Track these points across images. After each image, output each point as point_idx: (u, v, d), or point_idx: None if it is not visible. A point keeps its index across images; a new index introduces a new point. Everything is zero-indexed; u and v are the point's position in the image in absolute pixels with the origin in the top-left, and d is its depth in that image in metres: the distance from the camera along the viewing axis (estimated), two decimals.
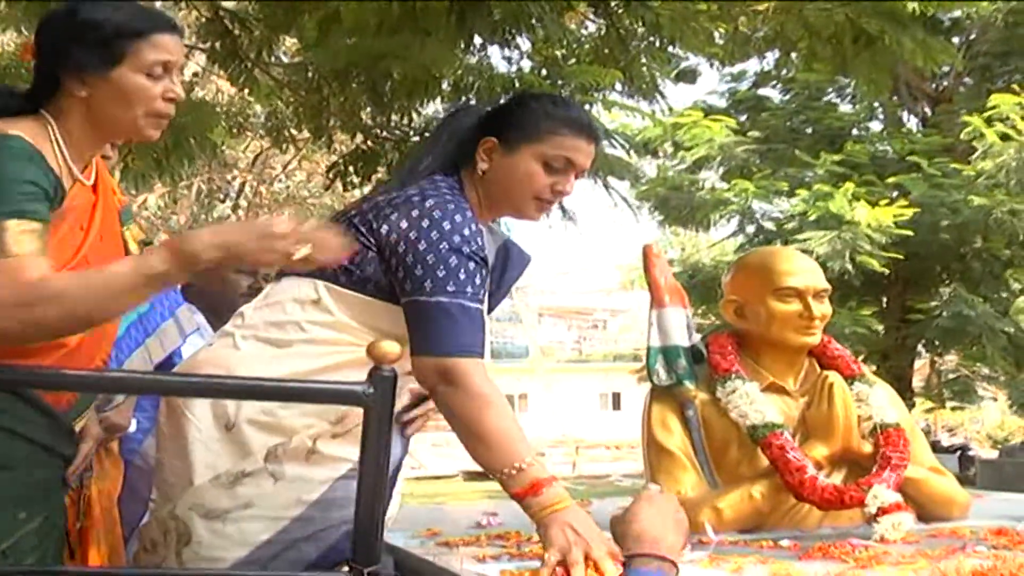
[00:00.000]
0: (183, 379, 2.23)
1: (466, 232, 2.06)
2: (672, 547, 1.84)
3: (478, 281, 2.06)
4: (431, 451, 25.95)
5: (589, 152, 2.21)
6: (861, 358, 15.43)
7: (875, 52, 4.94)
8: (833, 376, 2.78)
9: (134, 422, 2.95)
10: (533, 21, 4.35)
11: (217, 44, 5.28)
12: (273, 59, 5.49)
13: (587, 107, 5.33)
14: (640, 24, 4.87)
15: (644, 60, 5.49)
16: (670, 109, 6.18)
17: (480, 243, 2.09)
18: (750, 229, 13.82)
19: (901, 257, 11.83)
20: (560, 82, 5.26)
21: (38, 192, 1.83)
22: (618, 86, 5.62)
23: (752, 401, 2.77)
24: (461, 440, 2.11)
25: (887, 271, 12.06)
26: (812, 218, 11.90)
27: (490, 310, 2.19)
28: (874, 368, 14.62)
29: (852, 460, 2.77)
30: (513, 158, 2.17)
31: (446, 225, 2.05)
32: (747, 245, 13.88)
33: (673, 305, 2.95)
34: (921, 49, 5.11)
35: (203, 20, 5.20)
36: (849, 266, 11.57)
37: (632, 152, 14.59)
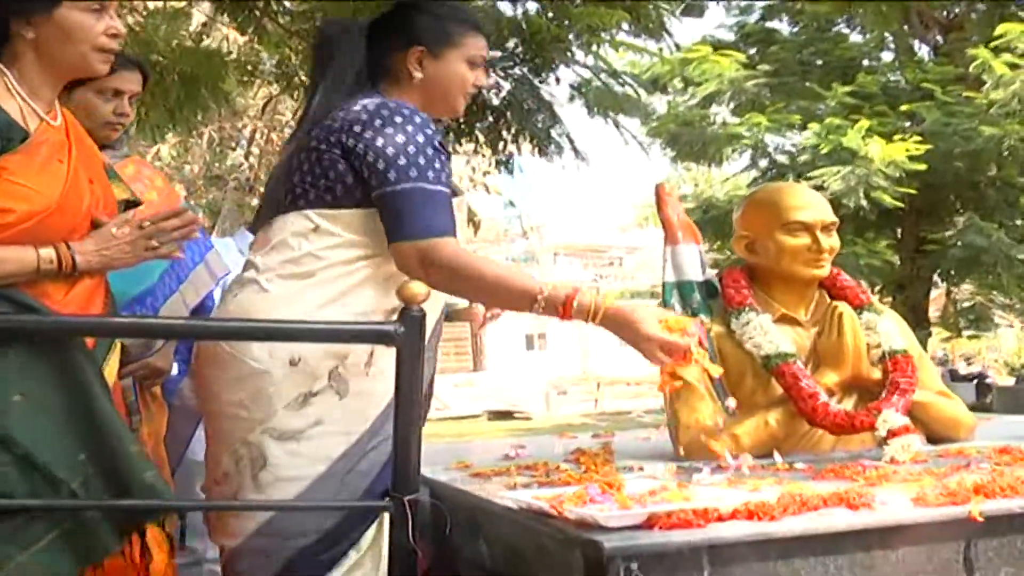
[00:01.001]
0: (223, 324, 2.35)
1: (417, 120, 2.26)
2: None
3: (438, 166, 2.24)
4: (454, 392, 26.19)
5: (487, 48, 2.52)
6: (877, 289, 15.48)
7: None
8: (842, 306, 2.88)
9: (175, 366, 3.07)
10: None
11: None
12: (281, 8, 5.53)
13: (594, 47, 5.42)
14: None
15: None
16: (677, 47, 6.20)
17: (433, 132, 2.27)
18: (763, 163, 13.82)
19: (915, 192, 11.84)
20: (567, 23, 5.29)
21: None
22: (625, 25, 5.64)
23: (765, 332, 2.88)
24: (480, 301, 2.35)
25: (903, 203, 12.08)
26: (825, 151, 11.89)
27: None
28: (890, 299, 14.68)
29: (862, 386, 2.88)
30: (442, 64, 2.41)
31: (397, 119, 2.25)
32: (760, 179, 13.88)
33: (686, 242, 3.05)
34: None
35: None
36: (864, 202, 11.58)
37: (641, 89, 14.64)
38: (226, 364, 2.27)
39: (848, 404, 2.86)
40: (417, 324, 2.10)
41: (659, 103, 15.50)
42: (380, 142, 2.22)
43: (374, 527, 2.25)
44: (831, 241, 2.93)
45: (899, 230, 13.75)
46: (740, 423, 2.83)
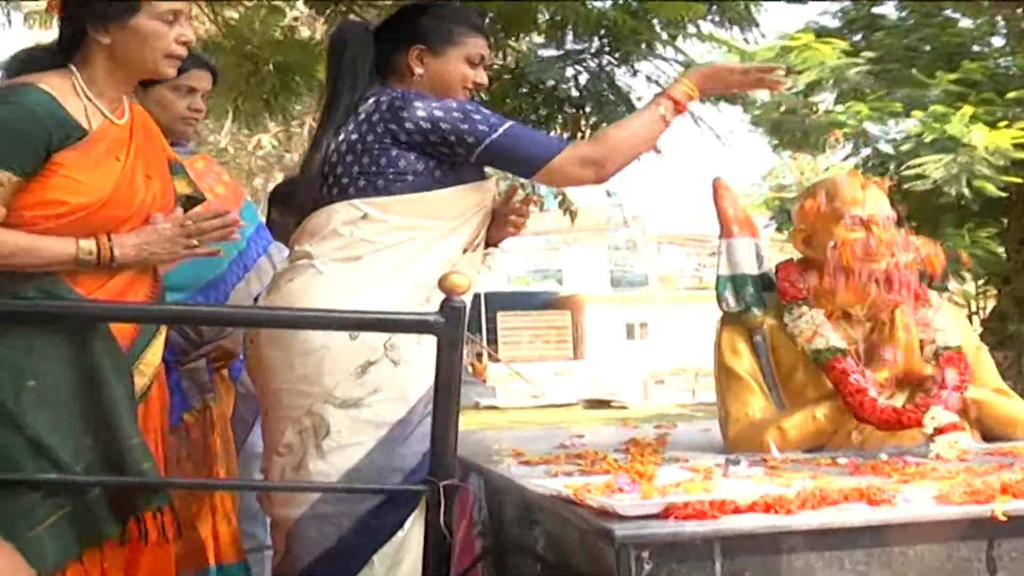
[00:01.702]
0: (286, 314, 2.47)
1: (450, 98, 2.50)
2: None
3: (483, 112, 2.51)
4: (553, 380, 26.30)
5: (488, 47, 2.70)
6: (982, 282, 15.08)
7: None
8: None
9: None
10: None
11: None
12: (368, 1, 5.65)
13: (677, 40, 5.42)
14: None
15: None
16: (763, 36, 6.17)
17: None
18: (865, 152, 13.54)
19: (1021, 181, 11.50)
20: (649, 16, 5.31)
21: (19, 147, 2.12)
22: (712, 16, 5.63)
23: (817, 326, 2.88)
24: (637, 153, 2.58)
25: (1007, 193, 11.74)
26: (928, 140, 11.61)
27: None
28: (996, 291, 14.30)
29: (915, 382, 2.87)
30: (442, 61, 2.60)
31: (421, 101, 2.48)
32: (861, 169, 13.62)
33: (741, 235, 3.06)
34: None
35: None
36: (966, 191, 11.28)
37: None
38: (288, 344, 2.44)
39: (900, 400, 2.85)
40: (457, 315, 2.19)
41: (762, 91, 15.31)
42: (441, 113, 2.46)
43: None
44: (887, 236, 2.92)
45: (1005, 220, 13.35)
46: (788, 417, 2.84)
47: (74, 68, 2.25)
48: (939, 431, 2.65)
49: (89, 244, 2.17)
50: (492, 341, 32.57)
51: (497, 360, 29.45)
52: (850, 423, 2.83)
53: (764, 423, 2.84)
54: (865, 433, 2.83)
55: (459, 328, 2.18)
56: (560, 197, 13.16)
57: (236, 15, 6.48)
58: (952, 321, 2.98)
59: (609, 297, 35.16)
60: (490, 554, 2.64)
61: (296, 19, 6.99)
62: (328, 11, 5.54)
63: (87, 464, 2.16)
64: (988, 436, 2.93)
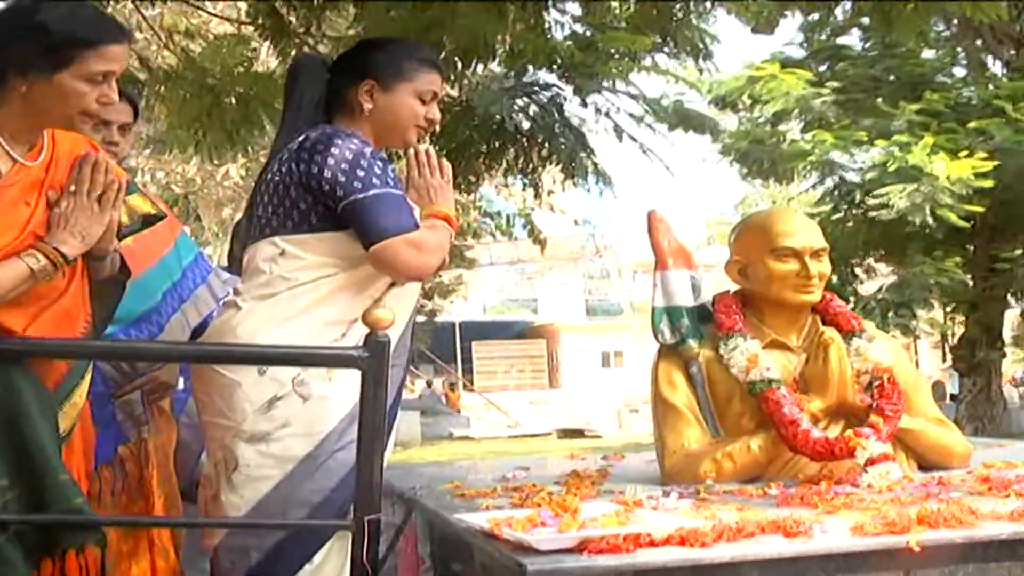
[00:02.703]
0: (200, 347, 2.47)
1: (354, 142, 2.42)
2: None
3: (379, 172, 2.39)
4: (528, 409, 26.26)
5: (441, 82, 2.66)
6: (950, 309, 15.20)
7: (918, 6, 4.92)
8: (830, 332, 2.89)
9: (180, 380, 3.18)
10: None
11: (267, 23, 5.52)
12: (320, 35, 5.67)
13: (626, 73, 5.46)
14: None
15: (692, 21, 5.54)
16: (716, 68, 6.21)
17: (372, 150, 2.44)
18: (830, 181, 13.68)
19: (981, 210, 11.62)
20: (600, 49, 5.35)
21: None
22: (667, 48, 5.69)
23: (753, 357, 2.90)
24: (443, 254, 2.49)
25: (970, 222, 11.86)
26: (892, 169, 11.73)
27: None
28: (963, 319, 14.40)
29: (850, 413, 2.88)
30: (392, 96, 2.54)
31: (338, 141, 2.41)
32: (828, 197, 13.76)
33: (677, 267, 3.09)
34: (969, 2, 5.07)
35: (251, 1, 5.43)
36: (930, 219, 11.39)
37: (712, 106, 14.59)
38: (208, 378, 2.44)
39: (836, 430, 2.86)
40: (382, 349, 2.19)
41: (729, 121, 15.45)
42: (335, 161, 2.38)
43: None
44: (820, 267, 2.95)
45: (971, 248, 13.49)
46: (724, 448, 2.85)
47: None
48: (871, 461, 2.66)
49: (34, 257, 2.11)
50: (467, 371, 32.53)
51: (471, 390, 29.39)
52: (785, 453, 2.84)
53: (700, 454, 2.86)
54: (801, 463, 2.84)
55: (383, 363, 2.18)
56: (529, 227, 13.23)
57: (197, 48, 6.49)
58: (887, 351, 3.00)
59: (584, 326, 35.22)
60: None
61: (254, 50, 7.01)
62: (280, 44, 5.55)
63: (3, 504, 2.12)
64: (924, 465, 2.95)
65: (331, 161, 2.37)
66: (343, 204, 2.36)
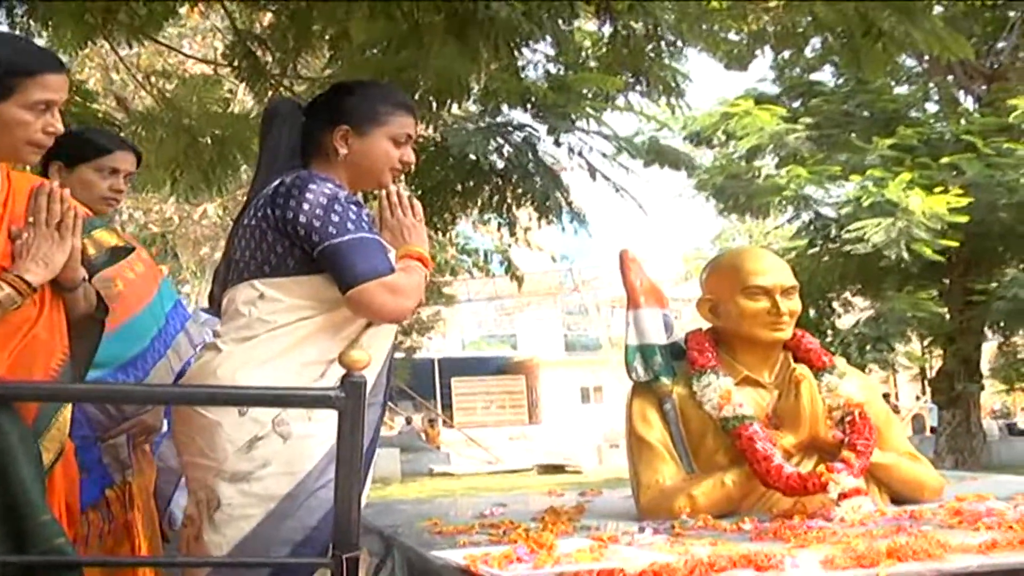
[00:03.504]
0: (183, 390, 2.49)
1: (330, 187, 2.44)
2: None
3: (366, 219, 2.44)
4: (508, 445, 26.21)
5: (415, 125, 2.68)
6: (927, 343, 15.33)
7: (886, 45, 5.01)
8: (801, 369, 2.93)
9: (164, 423, 3.21)
10: (531, 32, 4.54)
11: (243, 64, 5.59)
12: (297, 76, 5.73)
13: (599, 113, 5.53)
14: (647, 26, 5.03)
15: (665, 60, 5.63)
16: (689, 107, 6.30)
17: (347, 194, 2.47)
18: (806, 216, 13.81)
19: (956, 244, 11.76)
20: (572, 88, 5.43)
21: None
22: (640, 88, 5.77)
23: (726, 394, 2.94)
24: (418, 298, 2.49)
25: (945, 256, 11.99)
26: (867, 204, 11.86)
27: None
28: (940, 352, 14.51)
29: (822, 448, 2.92)
30: (367, 141, 2.57)
31: (312, 186, 2.43)
32: (803, 232, 13.87)
33: (649, 306, 3.13)
34: (936, 41, 5.17)
35: (227, 42, 5.48)
36: (905, 254, 11.51)
37: (687, 142, 14.73)
38: (189, 419, 2.46)
39: (809, 465, 2.90)
40: (358, 390, 2.21)
41: (704, 156, 15.58)
42: (310, 207, 2.40)
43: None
44: (791, 304, 3.00)
45: (946, 282, 13.62)
46: (698, 484, 2.88)
47: None
48: (843, 496, 2.69)
49: None
50: (446, 407, 32.48)
51: (451, 426, 29.33)
52: (759, 488, 2.87)
53: (674, 490, 2.88)
54: (774, 498, 2.87)
55: (359, 403, 2.20)
56: (506, 263, 13.27)
57: (171, 87, 6.54)
58: (859, 387, 3.05)
59: (563, 361, 35.25)
60: None
61: (230, 91, 7.06)
62: (256, 86, 5.61)
63: None
64: (896, 499, 2.99)
65: (306, 206, 2.40)
66: (319, 249, 2.39)
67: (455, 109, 5.76)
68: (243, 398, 2.34)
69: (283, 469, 2.36)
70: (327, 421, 2.32)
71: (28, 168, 2.62)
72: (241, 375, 2.37)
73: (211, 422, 2.39)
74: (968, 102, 14.23)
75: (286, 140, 2.60)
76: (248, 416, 2.37)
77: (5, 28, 5.69)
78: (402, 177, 5.96)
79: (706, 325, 3.17)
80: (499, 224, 6.23)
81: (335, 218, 2.39)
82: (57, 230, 2.25)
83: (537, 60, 5.71)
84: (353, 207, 2.42)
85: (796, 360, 3.05)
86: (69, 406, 2.36)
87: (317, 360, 2.41)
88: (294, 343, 2.41)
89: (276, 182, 2.49)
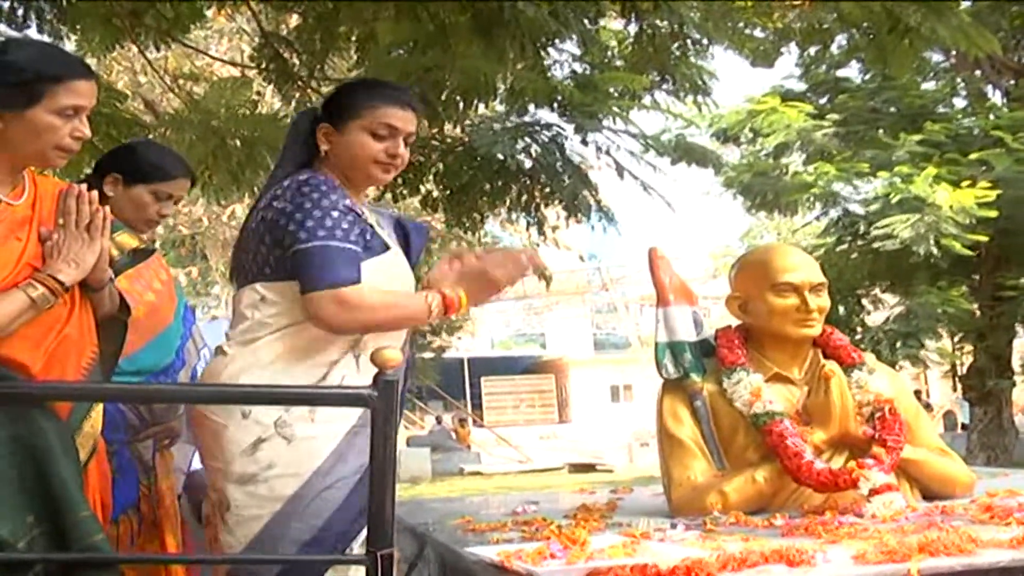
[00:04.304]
0: (221, 389, 2.52)
1: (323, 188, 2.46)
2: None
3: (345, 226, 2.44)
4: (538, 444, 26.22)
5: (405, 117, 2.59)
6: (957, 339, 15.19)
7: (913, 41, 4.99)
8: (831, 365, 2.94)
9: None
10: (558, 31, 4.57)
11: (270, 66, 5.65)
12: (325, 78, 5.77)
13: (625, 111, 5.55)
14: (672, 25, 5.05)
15: (691, 58, 5.64)
16: (716, 104, 6.30)
17: (339, 197, 2.47)
18: (834, 213, 13.73)
19: (985, 239, 11.67)
20: (598, 89, 5.45)
21: None
22: (666, 86, 5.79)
23: (756, 390, 2.95)
24: (389, 329, 2.48)
25: (975, 252, 11.90)
26: (895, 200, 11.79)
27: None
28: (971, 348, 14.39)
29: (852, 444, 2.93)
30: (345, 135, 2.56)
31: (305, 189, 2.47)
32: (832, 229, 13.80)
33: (678, 303, 3.14)
34: (962, 36, 5.15)
35: (254, 45, 5.53)
36: (934, 249, 11.43)
37: (714, 140, 14.68)
38: (200, 422, 2.53)
39: (839, 461, 2.90)
40: (391, 389, 2.23)
41: (731, 153, 15.52)
42: (290, 209, 2.45)
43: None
44: (819, 301, 3.00)
45: (976, 277, 13.51)
46: (729, 480, 2.89)
47: None
48: (874, 492, 2.70)
49: (33, 286, 2.19)
50: (476, 406, 32.54)
51: (481, 425, 29.38)
52: (790, 484, 2.88)
53: (706, 486, 2.90)
54: (806, 494, 2.88)
55: (392, 402, 2.23)
56: None
57: (201, 91, 6.59)
58: (888, 383, 3.05)
59: (592, 360, 35.23)
60: None
61: (259, 93, 7.11)
62: (284, 88, 5.66)
63: (29, 540, 2.17)
64: (927, 495, 2.99)
65: (288, 209, 2.44)
66: (289, 252, 2.43)
67: (482, 109, 5.78)
68: (277, 397, 2.38)
69: (288, 470, 2.40)
70: (331, 423, 2.40)
71: (52, 172, 2.68)
72: (245, 378, 2.43)
73: (218, 425, 2.44)
74: (996, 97, 14.11)
75: (291, 145, 2.64)
76: (251, 418, 2.41)
77: (34, 30, 5.77)
78: (430, 179, 6.03)
79: (736, 322, 3.18)
80: (528, 223, 6.26)
81: (309, 223, 2.41)
82: (87, 231, 2.30)
83: (563, 59, 5.73)
84: (334, 213, 2.44)
85: (825, 356, 3.06)
86: (101, 405, 2.40)
87: (319, 362, 2.46)
88: (295, 346, 2.46)
89: (275, 185, 2.54)
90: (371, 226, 2.54)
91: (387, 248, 2.57)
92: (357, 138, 2.55)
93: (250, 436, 2.41)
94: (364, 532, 2.23)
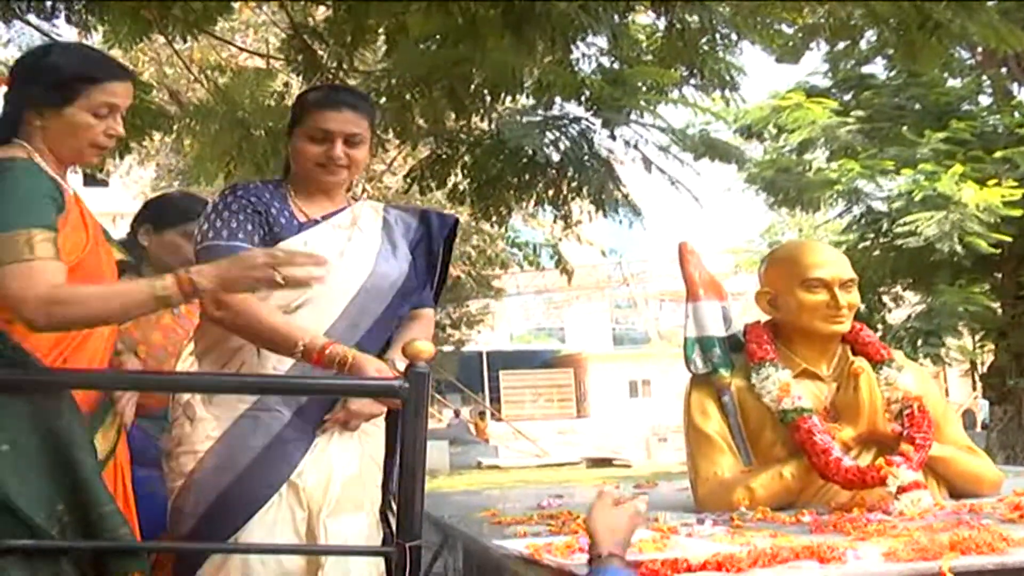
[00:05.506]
0: (241, 379, 2.54)
1: (239, 192, 2.57)
2: (619, 542, 1.96)
3: (234, 224, 2.51)
4: (556, 438, 26.21)
5: (340, 119, 2.59)
6: (979, 337, 15.12)
7: (942, 38, 4.96)
8: (859, 362, 2.93)
9: None
10: (588, 25, 4.57)
11: (299, 58, 5.65)
12: (353, 70, 5.77)
13: (653, 106, 5.55)
14: (702, 20, 5.03)
15: (719, 54, 5.62)
16: (743, 100, 6.27)
17: (241, 193, 2.56)
18: (857, 210, 13.66)
19: (1011, 237, 11.59)
20: (627, 83, 5.44)
21: (51, 204, 2.20)
22: (694, 81, 5.77)
23: (784, 386, 2.94)
24: (254, 343, 2.49)
25: (998, 250, 11.82)
26: (919, 198, 11.72)
27: (434, 266, 2.72)
28: (992, 346, 14.31)
29: (880, 441, 2.92)
30: (295, 143, 2.62)
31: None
32: (854, 226, 13.73)
33: (708, 298, 3.14)
34: (992, 33, 5.11)
35: (280, 36, 5.51)
36: (958, 247, 11.36)
37: (737, 135, 14.63)
38: None
39: (867, 458, 2.90)
40: (422, 381, 2.25)
41: (755, 149, 15.46)
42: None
43: None
44: (849, 297, 2.99)
45: (999, 276, 13.43)
46: (756, 476, 2.89)
47: (22, 141, 2.31)
48: (902, 489, 2.69)
49: (164, 282, 2.19)
50: (494, 400, 32.54)
51: (499, 419, 29.38)
52: (817, 481, 2.88)
53: (733, 482, 2.90)
54: (834, 490, 2.88)
55: (422, 393, 2.24)
56: (556, 257, 13.24)
57: (227, 81, 6.60)
58: (917, 380, 3.04)
59: (611, 355, 35.15)
60: None
61: (285, 84, 7.10)
62: (312, 79, 5.66)
63: (60, 528, 2.20)
64: (955, 493, 2.98)
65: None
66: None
67: (508, 102, 5.77)
68: (311, 388, 2.40)
69: (189, 448, 2.49)
70: (223, 405, 2.47)
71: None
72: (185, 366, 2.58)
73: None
74: (1022, 95, 13.99)
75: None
76: (176, 399, 2.54)
77: (62, 21, 5.82)
78: (457, 171, 6.03)
79: (763, 318, 3.18)
80: (554, 217, 6.24)
81: (219, 222, 2.52)
82: (269, 276, 2.23)
83: (592, 54, 5.72)
84: (225, 213, 2.53)
85: (854, 353, 3.05)
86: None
87: (224, 351, 2.54)
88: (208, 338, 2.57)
89: None
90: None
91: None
92: (300, 144, 2.61)
93: (172, 414, 2.54)
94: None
